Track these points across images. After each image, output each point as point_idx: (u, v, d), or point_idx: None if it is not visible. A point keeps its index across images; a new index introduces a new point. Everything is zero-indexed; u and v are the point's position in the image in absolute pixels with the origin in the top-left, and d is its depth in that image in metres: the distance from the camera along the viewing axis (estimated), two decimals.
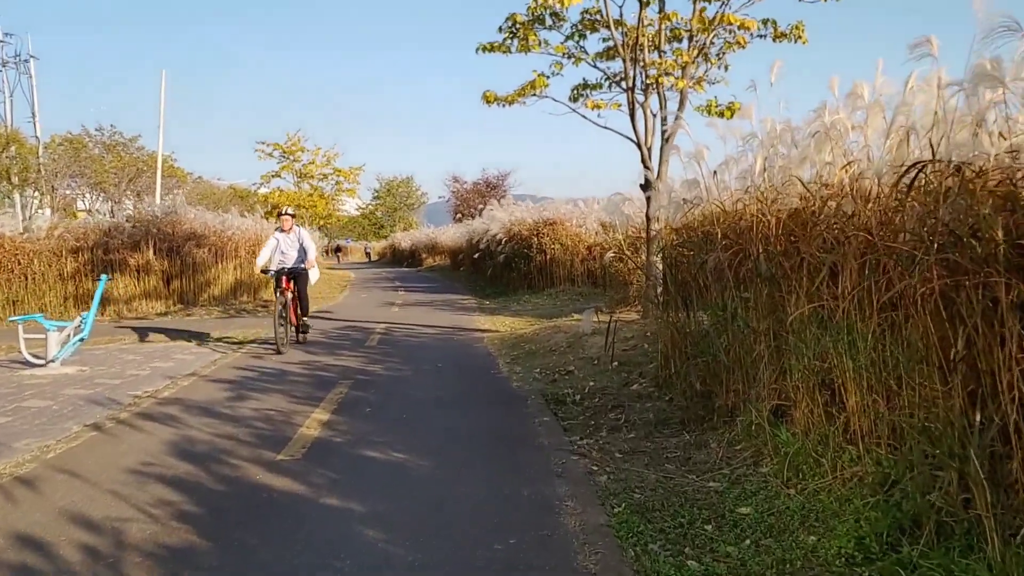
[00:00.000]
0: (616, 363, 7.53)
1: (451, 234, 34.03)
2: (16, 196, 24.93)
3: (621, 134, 10.73)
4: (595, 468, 4.58)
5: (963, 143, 3.33)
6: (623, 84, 10.78)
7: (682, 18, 10.59)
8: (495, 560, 3.28)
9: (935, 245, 3.18)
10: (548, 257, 18.13)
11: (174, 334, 11.80)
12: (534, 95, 11.12)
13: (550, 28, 11.06)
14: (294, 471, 4.57)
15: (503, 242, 19.93)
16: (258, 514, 3.89)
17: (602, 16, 10.62)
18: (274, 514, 3.88)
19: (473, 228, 25.90)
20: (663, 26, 10.49)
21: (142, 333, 11.82)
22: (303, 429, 5.57)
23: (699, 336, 5.77)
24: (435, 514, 3.84)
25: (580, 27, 11.13)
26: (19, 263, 15.11)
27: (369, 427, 5.68)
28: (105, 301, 14.47)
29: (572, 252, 17.87)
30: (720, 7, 10.09)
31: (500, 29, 11.03)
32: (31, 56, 29.25)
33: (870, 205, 3.90)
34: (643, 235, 11.10)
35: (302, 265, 10.19)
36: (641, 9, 10.20)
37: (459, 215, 43.34)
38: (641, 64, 10.45)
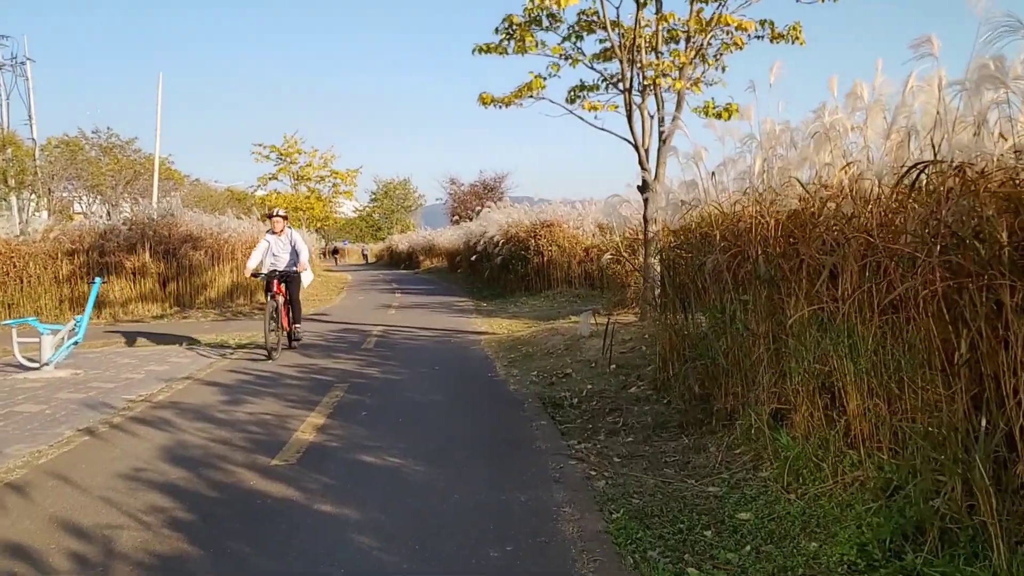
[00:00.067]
0: (614, 366, 7.48)
1: (448, 236, 33.97)
2: (13, 199, 24.83)
3: (618, 135, 10.71)
4: (593, 473, 4.53)
5: (965, 144, 3.30)
6: (620, 85, 10.75)
7: (679, 19, 10.58)
8: (491, 568, 3.23)
9: (937, 247, 3.15)
10: (545, 259, 18.07)
11: (170, 337, 11.73)
12: (531, 97, 11.11)
13: (547, 29, 11.04)
14: (288, 476, 4.52)
15: (500, 244, 19.88)
16: (252, 521, 3.83)
17: (599, 17, 10.59)
18: (268, 521, 3.82)
19: (470, 230, 25.87)
20: (660, 27, 10.48)
21: (137, 336, 11.76)
22: (298, 434, 5.51)
23: (697, 339, 5.73)
24: (431, 520, 3.79)
25: (577, 28, 11.11)
26: (15, 266, 15.05)
27: (365, 431, 5.63)
28: (101, 304, 14.41)
29: (569, 254, 17.81)
30: (717, 8, 10.08)
31: (497, 30, 11.01)
32: (27, 58, 29.14)
33: (870, 206, 3.86)
34: (641, 237, 11.06)
35: (294, 268, 9.96)
36: (638, 10, 10.17)
37: (456, 217, 43.32)
38: (638, 65, 10.43)
